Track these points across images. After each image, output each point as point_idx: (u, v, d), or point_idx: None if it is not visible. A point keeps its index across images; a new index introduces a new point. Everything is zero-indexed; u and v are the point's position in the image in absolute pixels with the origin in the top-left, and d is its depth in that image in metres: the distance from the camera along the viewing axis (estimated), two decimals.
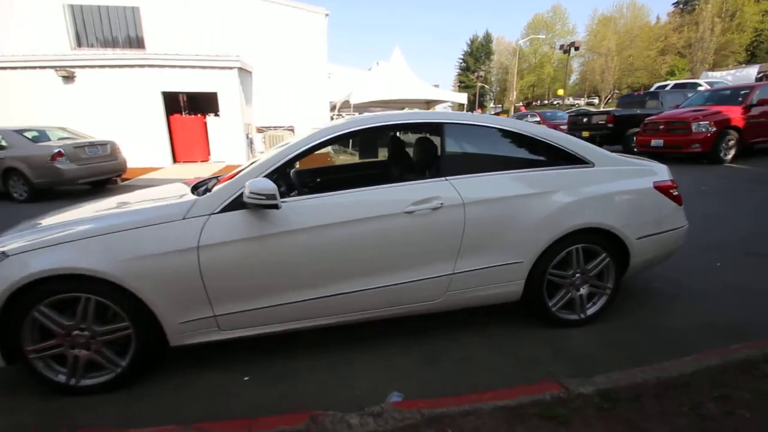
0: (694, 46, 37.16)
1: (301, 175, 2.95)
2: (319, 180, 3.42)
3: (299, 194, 2.27)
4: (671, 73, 41.78)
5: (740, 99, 9.57)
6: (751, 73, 17.67)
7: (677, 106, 11.09)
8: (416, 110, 2.83)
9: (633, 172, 2.47)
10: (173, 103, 13.44)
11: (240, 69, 12.58)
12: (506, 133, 2.36)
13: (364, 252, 2.05)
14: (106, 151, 8.33)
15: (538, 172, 2.31)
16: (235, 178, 2.06)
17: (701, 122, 8.91)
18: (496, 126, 2.35)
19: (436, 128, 2.31)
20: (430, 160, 2.51)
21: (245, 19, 14.29)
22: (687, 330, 2.38)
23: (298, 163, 2.52)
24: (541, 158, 2.38)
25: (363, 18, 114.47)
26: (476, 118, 2.35)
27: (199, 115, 13.12)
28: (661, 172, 2.54)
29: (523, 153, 2.41)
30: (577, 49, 30.64)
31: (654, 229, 2.44)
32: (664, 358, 1.99)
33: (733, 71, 19.20)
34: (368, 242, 2.04)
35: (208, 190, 2.18)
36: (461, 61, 68.14)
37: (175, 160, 12.96)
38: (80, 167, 7.63)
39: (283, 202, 1.98)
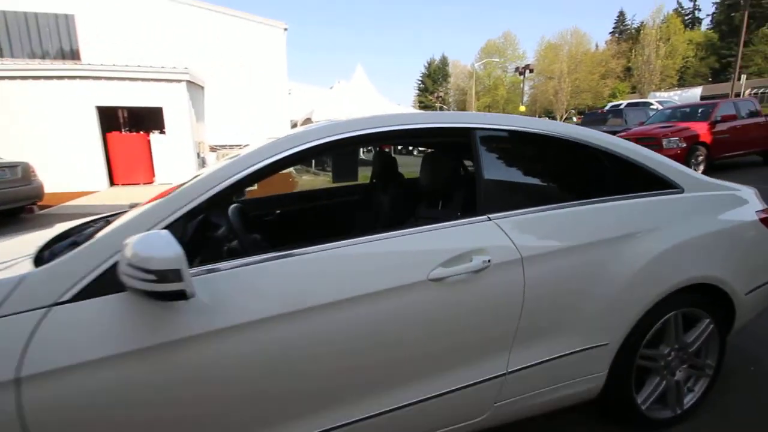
0: (641, 68, 39.88)
1: (246, 210, 1.94)
2: (278, 216, 2.46)
3: (243, 247, 1.34)
4: (613, 95, 44.67)
5: (699, 115, 9.74)
6: (696, 93, 18.78)
7: (641, 123, 11.19)
8: (424, 111, 1.94)
9: (728, 199, 1.76)
10: (111, 119, 11.99)
11: (189, 82, 11.42)
12: (569, 145, 1.57)
13: (361, 356, 1.16)
14: (16, 174, 6.89)
15: (618, 204, 1.53)
16: (109, 229, 1.10)
17: (671, 138, 8.86)
18: (555, 134, 1.55)
19: (464, 138, 1.48)
20: (451, 188, 1.67)
21: (197, 31, 13.22)
22: None
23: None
24: (619, 182, 1.61)
25: (322, 39, 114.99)
26: (522, 122, 1.54)
27: (141, 132, 11.73)
28: (751, 197, 1.85)
29: (594, 175, 1.64)
30: (531, 71, 31.85)
31: (764, 278, 1.73)
32: None
33: (679, 92, 20.41)
34: (368, 338, 1.16)
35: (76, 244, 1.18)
36: (420, 82, 69.61)
37: (113, 183, 11.45)
38: None
39: (210, 270, 1.05)
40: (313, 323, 1.10)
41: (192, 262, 1.09)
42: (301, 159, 1.30)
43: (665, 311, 1.52)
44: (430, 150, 2.17)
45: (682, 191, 1.66)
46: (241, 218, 1.60)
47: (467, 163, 2.18)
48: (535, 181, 1.58)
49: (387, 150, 2.79)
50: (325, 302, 1.11)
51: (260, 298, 1.08)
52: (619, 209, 1.51)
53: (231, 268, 1.10)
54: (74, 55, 13.79)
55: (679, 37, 42.34)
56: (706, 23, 50.97)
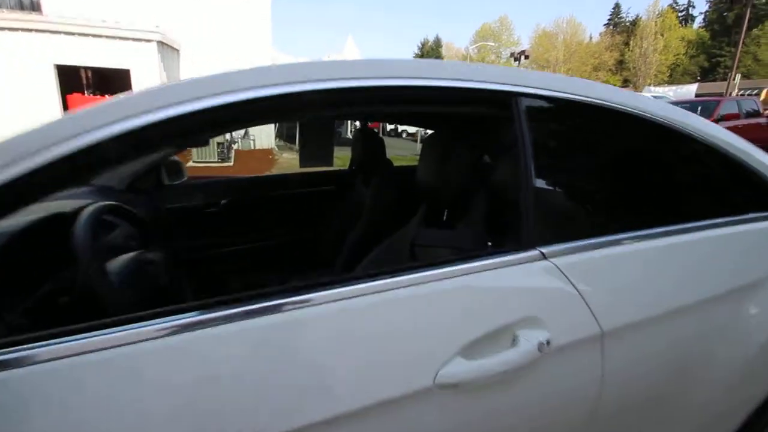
0: (637, 61, 39.59)
1: (133, 214, 1.15)
2: (210, 215, 1.82)
3: (95, 297, 0.74)
4: None
5: (699, 112, 9.41)
6: (691, 89, 18.61)
7: None
8: (432, 60, 1.13)
9: None
10: (73, 79, 10.90)
11: (161, 43, 10.40)
12: (667, 135, 0.98)
13: None
14: None
15: (733, 233, 0.97)
16: None
17: None
18: (649, 116, 0.95)
19: (497, 110, 0.88)
20: (470, 194, 1.08)
21: None
22: None
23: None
24: (727, 196, 1.05)
25: (311, 11, 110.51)
26: (597, 91, 0.93)
27: (106, 96, 10.71)
28: None
29: (699, 183, 1.07)
30: (527, 57, 31.23)
31: None
32: None
33: (674, 88, 20.20)
34: None
35: None
36: None
37: None
38: None
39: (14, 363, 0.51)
40: None
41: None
42: (209, 126, 0.69)
43: None
44: (432, 131, 1.56)
45: None
46: (104, 231, 0.95)
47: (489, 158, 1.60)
48: (618, 191, 1.00)
49: (374, 128, 2.11)
50: None
51: None
52: (736, 241, 0.96)
53: (53, 360, 0.52)
54: (34, 7, 12.48)
55: (674, 33, 42.23)
56: (698, 21, 50.87)
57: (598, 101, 0.91)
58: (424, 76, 0.79)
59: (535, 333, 0.70)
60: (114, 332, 0.55)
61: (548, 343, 0.70)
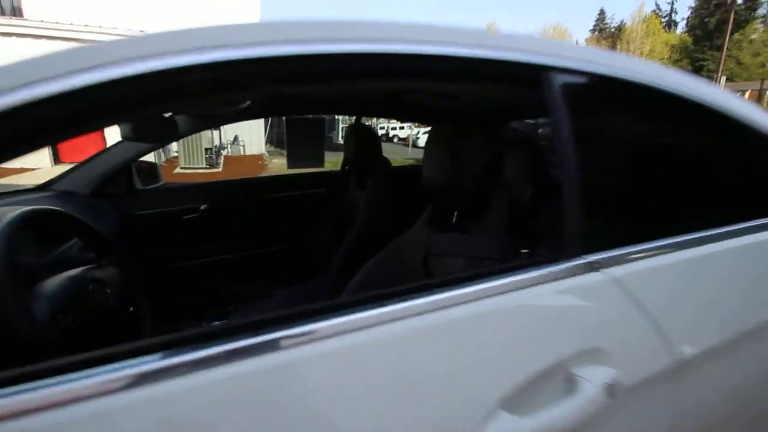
0: None
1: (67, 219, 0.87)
2: (183, 224, 1.65)
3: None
4: None
5: None
6: None
7: None
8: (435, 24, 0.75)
9: None
10: None
11: None
12: (724, 123, 0.82)
13: None
14: None
15: None
16: None
17: None
18: (701, 99, 0.79)
19: (526, 88, 0.71)
20: (488, 191, 0.92)
21: None
22: None
23: None
24: None
25: (304, 11, 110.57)
26: (651, 70, 0.76)
27: None
28: None
29: (750, 176, 0.91)
30: None
31: None
32: None
33: None
34: None
35: None
36: None
37: (58, 160, 10.21)
38: None
39: None
40: None
41: None
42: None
43: None
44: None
45: None
46: (39, 243, 0.76)
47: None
48: (686, 182, 0.83)
49: (368, 124, 1.90)
50: None
51: None
52: None
53: None
54: (16, 12, 12.25)
55: (658, 38, 43.25)
56: (681, 27, 52.07)
57: (653, 83, 0.73)
58: (432, 40, 0.58)
59: (597, 371, 0.53)
60: (36, 389, 0.37)
61: (616, 383, 0.53)
